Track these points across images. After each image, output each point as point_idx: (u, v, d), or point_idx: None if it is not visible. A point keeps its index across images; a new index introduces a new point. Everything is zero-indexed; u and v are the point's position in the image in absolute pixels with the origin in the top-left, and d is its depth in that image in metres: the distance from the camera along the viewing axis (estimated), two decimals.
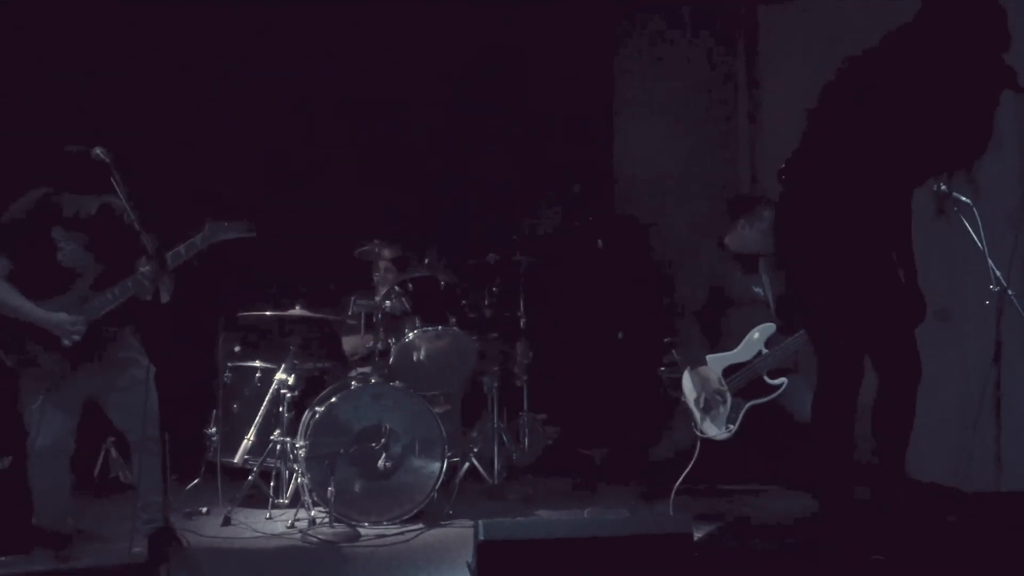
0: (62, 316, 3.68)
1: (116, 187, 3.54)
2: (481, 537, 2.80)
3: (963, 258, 4.03)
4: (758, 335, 4.40)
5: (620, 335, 5.79)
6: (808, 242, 3.32)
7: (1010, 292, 3.77)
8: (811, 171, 3.32)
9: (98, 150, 3.56)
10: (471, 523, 2.91)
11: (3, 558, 3.76)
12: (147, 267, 3.68)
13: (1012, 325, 3.84)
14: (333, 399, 4.47)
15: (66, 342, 3.69)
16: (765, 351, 4.38)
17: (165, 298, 3.74)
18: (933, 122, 3.12)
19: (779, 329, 4.42)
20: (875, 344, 3.33)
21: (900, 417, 3.36)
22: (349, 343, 5.20)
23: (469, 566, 2.89)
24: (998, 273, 3.77)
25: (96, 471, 4.90)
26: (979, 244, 3.77)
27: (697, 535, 3.23)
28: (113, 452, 4.88)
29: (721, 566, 3.18)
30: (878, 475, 3.38)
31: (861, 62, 3.27)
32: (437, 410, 4.64)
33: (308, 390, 4.88)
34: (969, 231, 3.78)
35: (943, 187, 3.71)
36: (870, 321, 3.27)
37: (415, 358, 4.94)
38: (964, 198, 3.78)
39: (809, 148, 3.35)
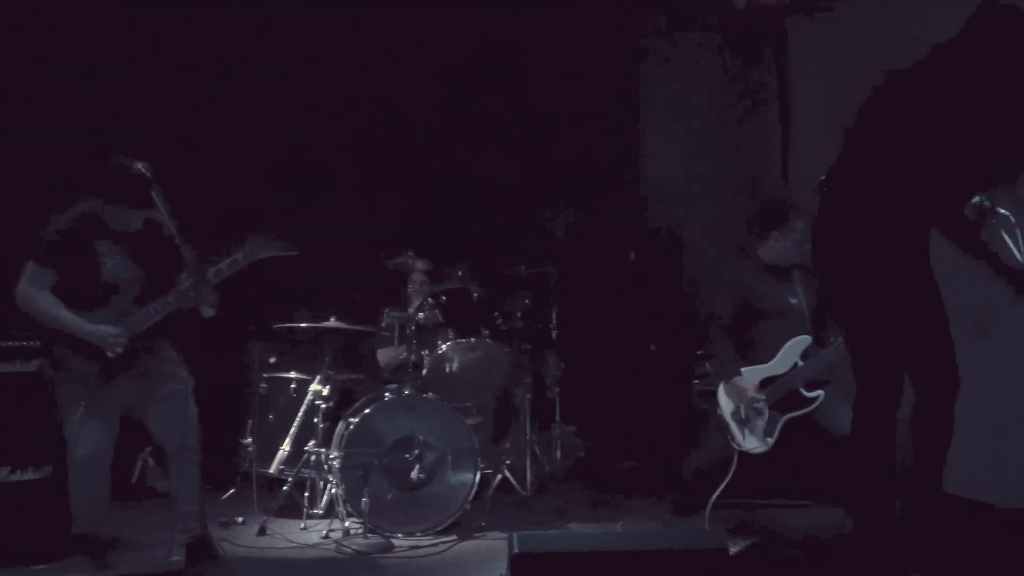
0: (106, 328, 3.72)
1: (157, 201, 3.60)
2: (516, 550, 2.80)
3: None
4: (794, 347, 4.37)
5: (653, 347, 5.77)
6: (846, 254, 3.30)
7: None
8: (852, 184, 3.30)
9: (139, 165, 3.63)
10: (504, 535, 2.92)
11: (43, 566, 3.83)
12: (188, 281, 3.72)
13: None
14: (367, 410, 4.49)
15: (109, 354, 3.74)
16: (801, 363, 4.34)
17: (210, 312, 3.77)
18: (978, 138, 3.09)
19: (815, 341, 4.38)
20: (912, 357, 3.30)
21: (938, 431, 3.32)
22: (384, 355, 5.23)
23: None
24: None
25: (133, 480, 4.97)
26: (1018, 257, 3.72)
27: (732, 550, 3.21)
28: (150, 462, 4.95)
29: None
30: (913, 489, 3.34)
31: (904, 76, 3.25)
32: (470, 421, 4.66)
33: (342, 401, 4.91)
34: (1008, 244, 3.74)
35: (985, 202, 3.67)
36: (908, 334, 3.24)
37: (448, 369, 4.97)
38: (1003, 210, 3.74)
39: (850, 161, 3.33)
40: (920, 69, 3.21)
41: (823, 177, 3.41)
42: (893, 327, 3.24)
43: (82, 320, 3.72)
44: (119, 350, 3.73)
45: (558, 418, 5.49)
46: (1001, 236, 3.70)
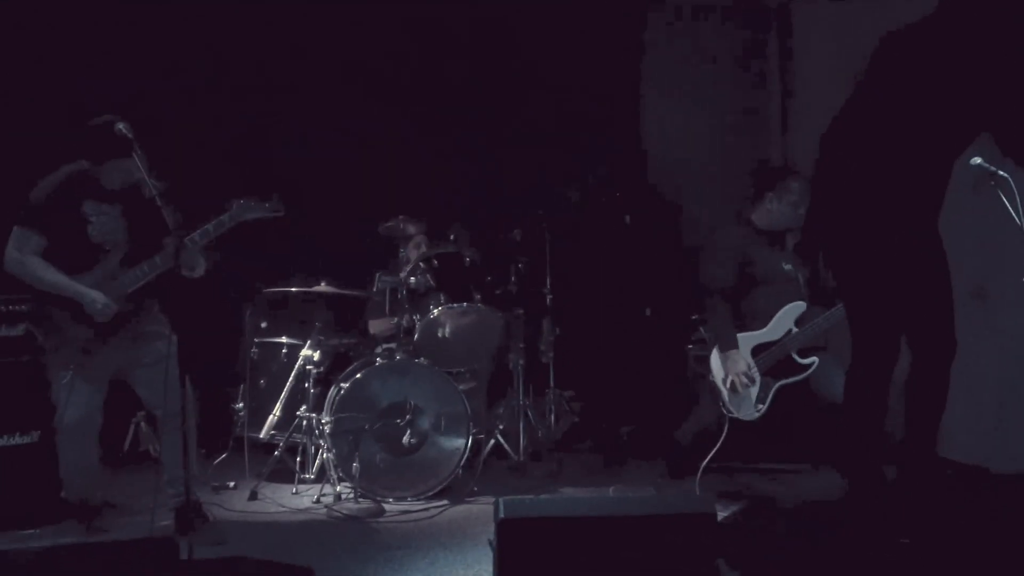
0: (97, 295, 3.69)
1: (139, 163, 3.55)
2: (502, 515, 2.78)
3: (999, 233, 3.92)
4: (787, 313, 4.33)
5: (647, 312, 5.73)
6: (845, 212, 3.25)
7: None
8: (852, 140, 3.25)
9: (121, 125, 3.57)
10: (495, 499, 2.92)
11: (33, 530, 3.83)
12: (173, 244, 3.68)
13: None
14: (359, 375, 4.47)
15: (97, 319, 3.71)
16: (795, 330, 4.31)
17: (195, 275, 3.75)
18: (969, 89, 3.04)
19: (809, 307, 4.34)
20: (910, 320, 3.26)
21: (933, 395, 3.30)
22: (375, 326, 5.18)
23: (490, 543, 2.87)
24: None
25: (126, 445, 4.96)
26: (1017, 220, 3.66)
27: (721, 515, 3.20)
28: (143, 426, 4.93)
29: (745, 546, 3.14)
30: (908, 454, 3.31)
31: (901, 34, 3.19)
32: (462, 387, 4.63)
33: (334, 366, 4.89)
34: (1007, 206, 3.68)
35: (981, 162, 3.61)
36: (906, 296, 3.20)
37: (440, 335, 4.93)
38: (1002, 172, 3.68)
39: (851, 116, 3.28)
40: (916, 26, 3.15)
41: (825, 131, 3.34)
42: (897, 288, 3.20)
43: (72, 281, 3.69)
44: (105, 318, 3.70)
45: (552, 383, 5.46)
46: (1000, 198, 3.65)
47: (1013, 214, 3.68)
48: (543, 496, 4.37)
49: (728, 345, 4.32)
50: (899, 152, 3.17)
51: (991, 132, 3.15)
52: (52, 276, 3.68)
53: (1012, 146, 3.18)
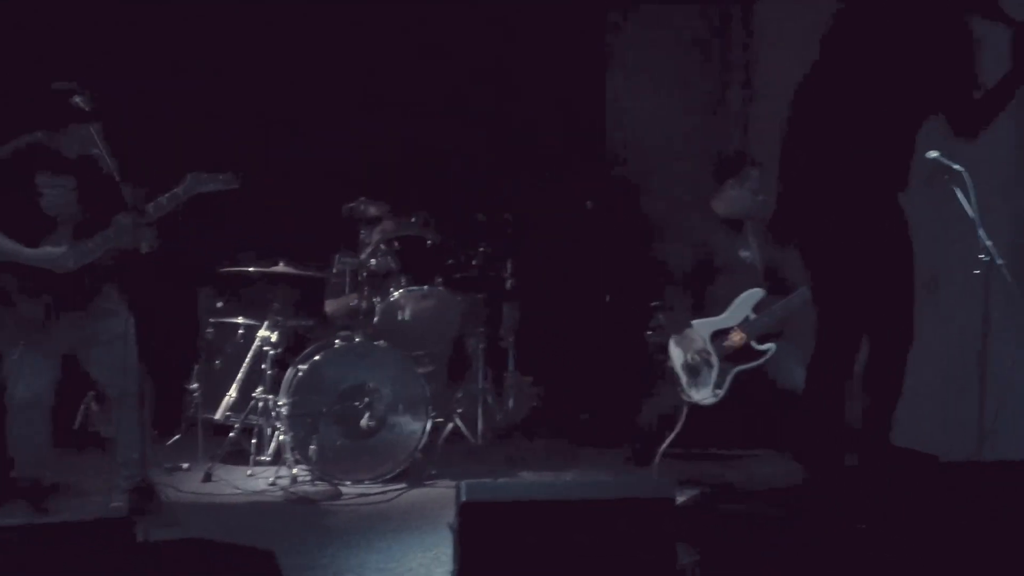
0: (51, 249, 3.60)
1: (95, 136, 3.47)
2: (464, 498, 2.77)
3: (952, 226, 4.00)
4: (746, 300, 4.37)
5: (608, 298, 5.75)
6: (811, 200, 3.27)
7: (999, 261, 3.75)
8: (810, 125, 3.28)
9: (78, 98, 3.49)
10: (454, 483, 2.89)
11: None
12: (128, 217, 3.61)
13: (1000, 295, 3.82)
14: (317, 357, 4.43)
15: (58, 272, 3.61)
16: (752, 316, 4.35)
17: (146, 248, 3.68)
18: (918, 68, 3.09)
19: (767, 294, 4.39)
20: (875, 310, 3.30)
21: (890, 384, 3.35)
22: (332, 305, 5.13)
23: (451, 527, 2.86)
24: (988, 243, 3.74)
25: (76, 425, 4.87)
26: (970, 212, 3.74)
27: (680, 499, 3.22)
28: (94, 406, 4.84)
29: (702, 531, 3.17)
30: (864, 441, 3.37)
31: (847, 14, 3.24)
32: (421, 370, 4.61)
33: (291, 347, 4.83)
34: (960, 199, 3.75)
35: (938, 156, 3.67)
36: (870, 284, 3.23)
37: (400, 317, 4.90)
38: (957, 166, 3.75)
39: (807, 101, 3.30)
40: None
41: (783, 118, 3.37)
42: (863, 277, 3.23)
43: (21, 246, 3.59)
44: (69, 268, 3.61)
45: (512, 367, 5.46)
46: (953, 191, 3.72)
47: (966, 208, 3.76)
48: (504, 480, 4.38)
49: (683, 327, 4.35)
50: (857, 135, 3.19)
51: (943, 111, 3.18)
52: (8, 245, 3.59)
53: (963, 125, 3.22)
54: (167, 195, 3.75)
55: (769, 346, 4.31)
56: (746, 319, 4.35)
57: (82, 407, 4.86)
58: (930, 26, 3.12)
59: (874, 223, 3.23)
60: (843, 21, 3.25)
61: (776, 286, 4.46)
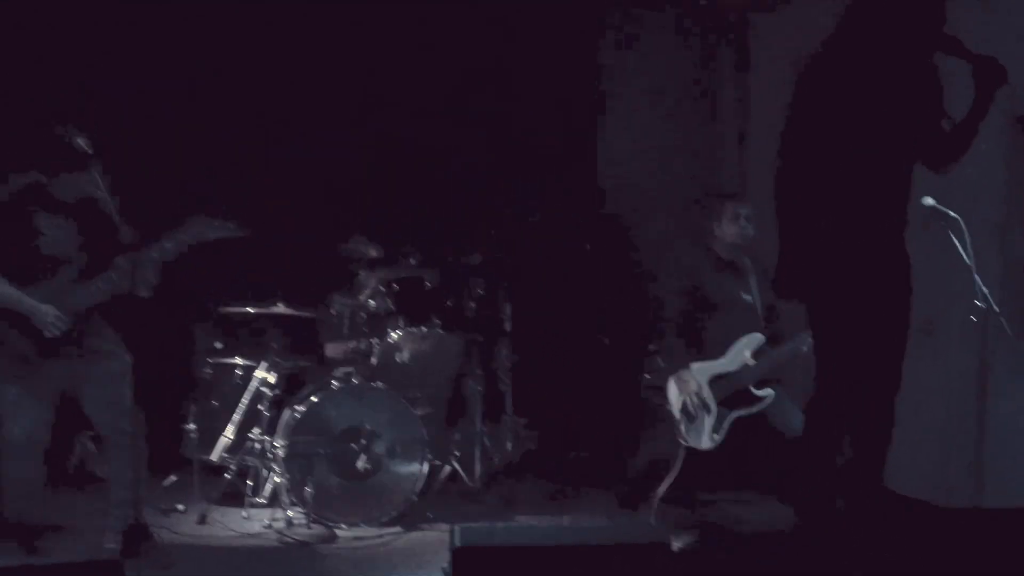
0: (49, 308, 3.60)
1: (97, 178, 3.50)
2: (457, 543, 2.76)
3: (948, 272, 4.02)
4: (745, 345, 4.36)
5: (607, 341, 5.75)
6: (812, 241, 3.29)
7: (996, 308, 3.75)
8: (804, 167, 3.31)
9: (80, 139, 3.52)
10: (450, 527, 2.89)
11: None
12: (129, 261, 3.62)
13: (997, 341, 3.82)
14: (313, 398, 4.42)
15: (46, 334, 3.62)
16: (752, 361, 4.34)
17: (146, 292, 3.67)
18: (890, 99, 3.13)
19: (767, 340, 4.38)
20: (867, 351, 3.29)
21: (880, 428, 3.34)
22: (332, 349, 5.11)
23: (445, 572, 2.85)
24: (985, 290, 3.75)
25: (72, 464, 4.85)
26: (966, 259, 3.75)
27: (676, 545, 3.21)
28: (89, 445, 4.83)
29: None
30: (855, 486, 3.35)
31: (821, 56, 3.28)
32: (419, 412, 4.60)
33: (288, 388, 4.83)
34: (956, 245, 3.77)
35: (934, 203, 3.69)
36: (866, 326, 3.23)
37: (398, 359, 4.90)
38: (952, 213, 3.77)
39: (797, 141, 3.34)
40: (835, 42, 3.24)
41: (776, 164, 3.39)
42: (862, 323, 3.22)
43: (23, 294, 3.60)
44: (57, 332, 3.62)
45: (509, 410, 5.45)
46: (949, 237, 3.74)
47: (962, 254, 3.77)
48: (499, 524, 4.35)
49: (681, 371, 4.34)
50: (846, 174, 3.22)
51: (915, 145, 3.22)
52: (5, 289, 3.59)
53: (934, 160, 3.26)
54: (173, 240, 3.70)
55: (767, 392, 4.29)
56: (745, 364, 4.33)
57: (78, 446, 4.85)
58: (898, 65, 3.16)
59: (875, 263, 3.23)
60: (818, 63, 3.30)
61: (775, 329, 4.46)
